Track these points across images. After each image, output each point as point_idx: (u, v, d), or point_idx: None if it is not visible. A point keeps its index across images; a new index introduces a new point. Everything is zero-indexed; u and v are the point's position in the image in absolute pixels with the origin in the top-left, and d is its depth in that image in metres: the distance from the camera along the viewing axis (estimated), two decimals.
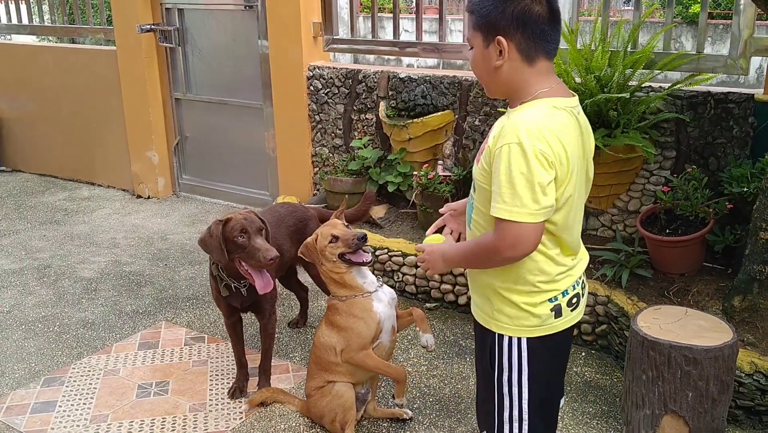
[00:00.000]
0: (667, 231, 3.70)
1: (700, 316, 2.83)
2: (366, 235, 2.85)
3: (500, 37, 1.78)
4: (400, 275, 4.23)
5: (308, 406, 3.09)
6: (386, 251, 4.25)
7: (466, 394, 3.31)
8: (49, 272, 4.73)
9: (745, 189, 3.46)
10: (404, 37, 5.02)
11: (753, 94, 3.67)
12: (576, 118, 1.85)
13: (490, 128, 4.36)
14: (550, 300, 1.91)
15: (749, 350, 3.10)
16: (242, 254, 2.96)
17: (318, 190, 5.36)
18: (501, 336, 1.95)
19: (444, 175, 4.31)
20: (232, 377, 3.46)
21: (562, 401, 2.26)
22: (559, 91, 1.84)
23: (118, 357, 3.66)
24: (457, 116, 4.52)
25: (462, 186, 4.35)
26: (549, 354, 1.96)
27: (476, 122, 4.45)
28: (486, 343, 2.01)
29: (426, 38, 4.98)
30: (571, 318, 1.97)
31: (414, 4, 4.86)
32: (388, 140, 4.80)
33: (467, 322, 3.98)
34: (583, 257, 2.03)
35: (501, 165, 1.73)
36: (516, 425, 1.98)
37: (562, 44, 3.78)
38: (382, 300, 2.90)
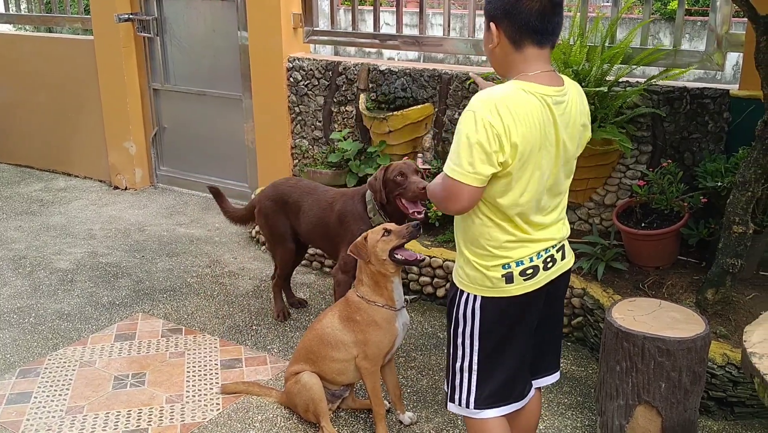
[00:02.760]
0: (643, 225, 3.74)
1: (674, 308, 2.87)
2: (420, 225, 2.81)
3: (492, 24, 1.97)
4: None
5: (285, 391, 3.09)
6: None
7: (444, 385, 3.33)
8: (25, 263, 4.69)
9: (719, 184, 3.51)
10: (385, 30, 5.02)
11: (728, 90, 3.72)
12: (548, 106, 1.93)
13: None
14: (503, 266, 2.04)
15: (722, 342, 3.15)
16: (400, 190, 3.33)
17: None
18: (461, 292, 2.13)
19: (424, 168, 4.32)
20: (210, 369, 3.46)
21: (552, 378, 2.39)
22: (542, 78, 1.95)
23: (94, 349, 3.64)
24: (436, 109, 4.53)
25: None
26: (500, 316, 2.09)
27: (456, 115, 4.47)
28: (449, 296, 2.20)
29: (407, 31, 4.99)
30: (523, 286, 2.07)
31: None
32: (368, 133, 4.80)
33: (445, 314, 3.99)
34: (552, 236, 2.11)
35: (458, 128, 1.90)
36: (466, 375, 2.16)
37: None
38: (401, 320, 2.89)
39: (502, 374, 2.16)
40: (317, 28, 5.16)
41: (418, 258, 2.82)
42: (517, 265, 2.05)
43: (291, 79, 5.16)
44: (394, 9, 4.96)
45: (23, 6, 7.00)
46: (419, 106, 4.50)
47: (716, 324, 3.24)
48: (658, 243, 3.68)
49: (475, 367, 2.14)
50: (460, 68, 4.59)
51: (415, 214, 3.32)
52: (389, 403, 3.09)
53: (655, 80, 3.80)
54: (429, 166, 4.38)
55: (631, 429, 2.73)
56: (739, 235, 3.21)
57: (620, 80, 3.86)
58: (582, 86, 3.65)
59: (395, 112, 4.50)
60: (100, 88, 6.11)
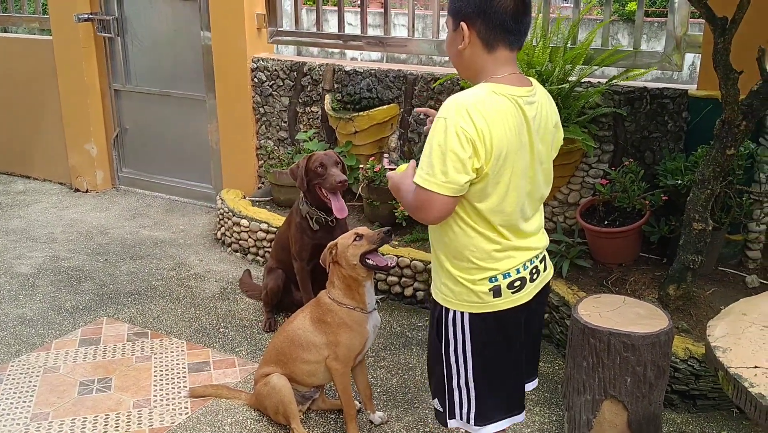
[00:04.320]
0: (606, 223, 3.81)
1: (638, 304, 2.93)
2: (391, 231, 2.80)
3: (463, 24, 1.88)
4: None
5: (255, 393, 3.08)
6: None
7: (413, 384, 3.35)
8: None
9: (679, 182, 3.59)
10: (348, 30, 5.03)
11: (687, 90, 3.81)
12: (520, 107, 1.87)
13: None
14: (489, 279, 1.96)
15: (684, 336, 3.22)
16: (320, 180, 3.53)
17: (263, 183, 5.33)
18: (447, 309, 2.04)
19: (390, 168, 4.33)
20: (177, 373, 3.43)
21: (531, 385, 2.34)
22: (511, 80, 1.89)
23: (58, 354, 3.58)
24: (402, 110, 4.55)
25: None
26: (491, 331, 2.02)
27: (421, 116, 4.49)
28: (434, 314, 2.11)
29: (371, 32, 5.00)
30: (512, 300, 2.00)
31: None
32: (333, 133, 4.80)
33: (413, 313, 4.02)
34: (535, 245, 2.06)
35: (431, 135, 1.83)
36: (464, 391, 2.08)
37: None
38: (372, 322, 2.89)
39: (501, 387, 2.11)
40: (281, 29, 5.14)
41: (390, 264, 2.81)
42: (505, 277, 1.98)
43: (255, 80, 5.14)
44: (358, 9, 4.96)
45: None
46: (385, 107, 4.51)
47: (678, 319, 3.31)
48: (621, 240, 3.75)
49: (471, 384, 2.07)
50: (425, 69, 4.62)
51: (339, 212, 3.56)
52: (359, 403, 3.10)
53: (616, 81, 3.87)
54: (395, 166, 4.38)
55: (598, 424, 2.78)
56: (699, 231, 3.29)
57: (582, 81, 3.92)
58: (545, 87, 3.72)
59: (361, 113, 4.51)
60: (59, 89, 6.01)
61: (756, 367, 1.75)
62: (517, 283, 2.00)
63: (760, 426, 1.66)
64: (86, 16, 5.72)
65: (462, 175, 1.79)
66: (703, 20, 3.14)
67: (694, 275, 3.41)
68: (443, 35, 5.47)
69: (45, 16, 6.22)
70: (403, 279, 4.09)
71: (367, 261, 2.77)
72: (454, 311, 2.01)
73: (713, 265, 3.73)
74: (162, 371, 3.46)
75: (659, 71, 4.50)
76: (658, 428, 2.86)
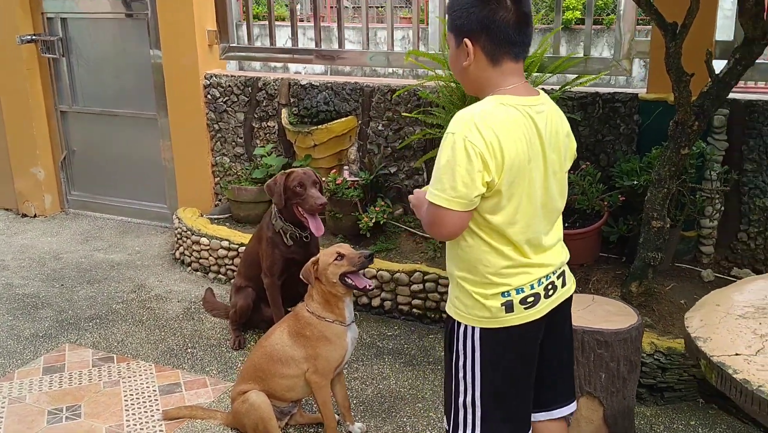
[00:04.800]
0: (566, 224, 3.90)
1: (606, 302, 3.02)
2: (373, 255, 2.80)
3: (467, 40, 1.86)
4: None
5: (232, 412, 3.05)
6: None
7: (389, 393, 3.37)
8: None
9: (635, 182, 3.71)
10: (290, 44, 5.04)
11: (637, 94, 3.94)
12: (530, 117, 1.85)
13: (394, 132, 4.47)
14: (502, 294, 1.93)
15: (648, 331, 3.33)
16: (299, 200, 3.50)
17: (220, 200, 5.28)
18: (458, 323, 2.00)
19: (352, 180, 4.37)
20: (148, 396, 3.36)
21: (569, 409, 2.22)
22: (518, 90, 1.87)
23: (22, 383, 3.46)
24: (360, 122, 4.59)
25: (369, 191, 4.42)
26: (501, 347, 1.97)
27: (380, 127, 4.53)
28: (446, 328, 2.07)
29: (310, 45, 5.02)
30: (524, 316, 1.95)
31: (300, 12, 4.92)
32: (291, 147, 4.79)
33: (381, 324, 4.04)
34: (551, 261, 2.00)
35: (441, 151, 1.82)
36: (470, 411, 2.01)
37: None
38: (351, 335, 2.89)
39: (508, 406, 2.03)
40: (233, 44, 5.12)
41: (368, 286, 2.82)
42: (518, 292, 1.93)
43: (209, 96, 5.10)
44: (306, 24, 4.98)
45: None
46: (343, 119, 4.54)
47: (641, 315, 3.41)
48: (582, 241, 3.85)
49: (478, 402, 2.00)
50: (381, 81, 4.67)
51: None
52: (338, 415, 3.10)
53: (569, 86, 3.98)
54: (357, 179, 4.42)
55: (575, 421, 2.85)
56: (658, 229, 3.40)
57: (537, 88, 4.01)
58: None
59: (320, 126, 4.52)
60: (2, 112, 5.83)
61: (737, 354, 1.83)
62: (531, 299, 1.95)
63: (745, 411, 1.74)
64: (29, 37, 5.58)
65: (471, 189, 1.78)
66: (650, 27, 3.27)
67: (655, 272, 3.53)
68: (397, 47, 5.49)
69: None
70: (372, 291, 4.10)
71: (346, 280, 2.79)
72: (465, 326, 1.98)
73: (670, 261, 3.86)
74: (132, 395, 3.38)
75: (610, 76, 4.64)
76: (632, 422, 2.95)
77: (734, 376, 1.75)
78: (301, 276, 2.91)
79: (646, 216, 3.42)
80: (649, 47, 3.91)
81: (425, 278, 3.93)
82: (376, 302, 4.10)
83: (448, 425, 2.09)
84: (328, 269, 2.78)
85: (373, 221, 4.23)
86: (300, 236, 3.62)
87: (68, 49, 5.70)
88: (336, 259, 2.78)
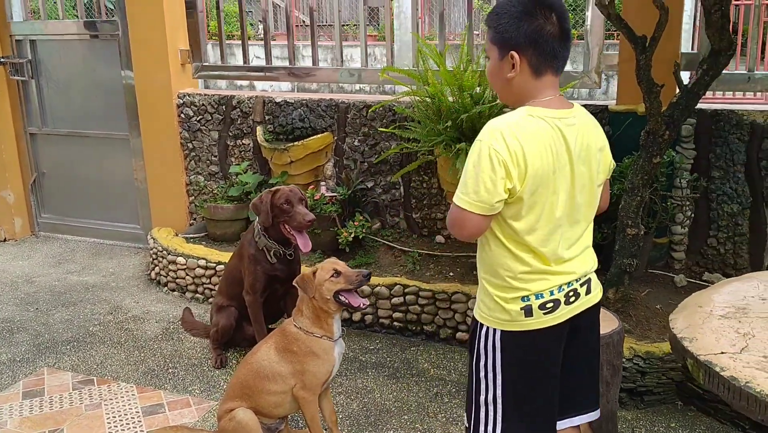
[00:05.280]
0: None
1: None
2: (371, 274, 2.81)
3: (514, 53, 1.92)
4: None
5: (219, 430, 3.03)
6: None
7: (374, 407, 3.39)
8: None
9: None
10: (255, 62, 5.06)
11: (607, 106, 4.05)
12: (559, 129, 1.91)
13: (370, 148, 4.52)
14: (522, 299, 1.98)
15: (626, 336, 3.40)
16: (286, 217, 3.51)
17: (195, 219, 5.26)
18: (481, 324, 2.06)
19: (330, 196, 4.39)
20: (131, 418, 3.33)
21: (592, 415, 2.23)
22: (551, 103, 1.93)
23: (2, 409, 3.40)
24: (336, 138, 4.62)
25: (347, 205, 4.45)
26: (521, 350, 2.02)
27: (356, 143, 4.58)
28: (471, 329, 2.13)
29: (278, 64, 5.05)
30: (543, 321, 1.99)
31: (261, 30, 4.96)
32: (267, 165, 4.81)
33: (363, 338, 4.06)
34: (573, 269, 2.03)
35: (469, 157, 1.89)
36: (491, 408, 2.06)
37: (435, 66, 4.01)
38: (338, 350, 2.89)
39: (529, 408, 2.06)
40: (206, 64, 5.13)
41: (363, 305, 2.82)
42: (537, 298, 1.98)
43: (182, 115, 5.09)
44: (262, 43, 5.01)
45: None
46: (319, 136, 4.57)
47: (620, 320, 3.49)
48: None
49: (500, 400, 2.05)
50: (356, 97, 4.71)
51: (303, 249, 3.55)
52: (326, 430, 3.10)
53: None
54: (335, 194, 4.45)
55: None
56: (633, 237, 3.49)
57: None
58: (478, 108, 3.88)
59: (296, 143, 4.54)
60: None
61: (722, 353, 1.89)
62: (550, 304, 1.99)
63: (732, 407, 1.80)
64: None
65: (493, 195, 1.85)
66: (618, 41, 3.37)
67: (631, 278, 3.61)
68: (377, 64, 5.54)
69: None
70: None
71: (340, 298, 2.78)
72: (487, 327, 2.03)
73: (644, 268, 3.96)
74: (115, 417, 3.35)
75: (582, 88, 4.74)
76: (616, 426, 3.00)
77: (722, 373, 1.81)
78: (296, 284, 2.89)
79: (621, 224, 3.51)
80: (618, 60, 4.02)
81: (405, 291, 3.97)
82: (356, 316, 4.12)
83: (468, 422, 2.13)
84: (324, 285, 2.77)
85: (352, 235, 4.26)
86: (284, 254, 3.63)
87: (37, 71, 5.66)
88: (332, 276, 2.77)
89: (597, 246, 3.91)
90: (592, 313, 2.13)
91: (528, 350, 2.02)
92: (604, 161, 2.07)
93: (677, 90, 3.34)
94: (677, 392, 3.33)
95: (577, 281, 2.03)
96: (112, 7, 5.42)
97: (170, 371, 3.77)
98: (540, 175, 1.88)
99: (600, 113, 4.03)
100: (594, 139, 2.01)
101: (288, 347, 2.86)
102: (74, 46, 5.53)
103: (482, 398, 2.07)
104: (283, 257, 3.63)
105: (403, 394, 3.49)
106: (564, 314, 2.01)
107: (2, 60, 5.56)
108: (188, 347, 4.03)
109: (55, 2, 6.28)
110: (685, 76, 3.59)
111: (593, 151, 1.99)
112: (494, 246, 1.99)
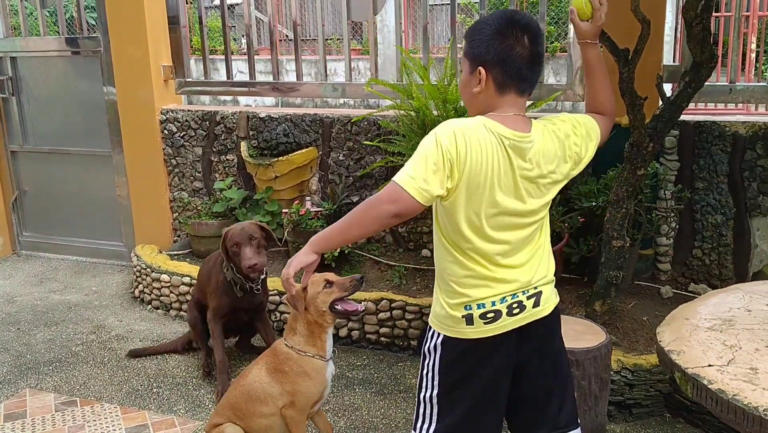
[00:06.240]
0: None
1: (574, 321, 3.07)
2: (363, 278, 2.79)
3: (481, 68, 1.96)
4: (278, 314, 4.21)
5: None
6: None
7: (361, 424, 3.35)
8: None
9: (594, 203, 3.80)
10: (239, 77, 5.06)
11: None
12: (505, 149, 1.93)
13: (355, 162, 4.51)
14: (464, 307, 2.02)
15: (614, 349, 3.39)
16: (237, 260, 3.53)
17: (179, 236, 5.22)
18: (429, 327, 2.14)
19: (315, 211, 4.37)
20: None
21: None
22: (508, 120, 1.95)
23: None
24: (321, 152, 4.61)
25: (333, 220, 4.42)
26: (458, 356, 2.07)
27: (341, 157, 4.56)
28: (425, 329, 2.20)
29: (261, 78, 5.04)
30: (482, 330, 2.02)
31: (244, 45, 4.95)
32: (251, 180, 4.78)
33: (350, 354, 4.02)
34: (517, 278, 2.04)
35: (420, 145, 1.92)
36: (428, 407, 2.13)
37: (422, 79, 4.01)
38: (330, 370, 2.85)
39: (461, 413, 2.09)
40: (189, 79, 5.11)
41: (359, 309, 2.78)
42: (478, 307, 2.01)
43: (165, 131, 5.06)
44: (246, 57, 5.02)
45: None
46: (303, 150, 4.56)
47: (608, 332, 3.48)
48: None
49: (435, 400, 2.11)
50: (340, 111, 4.71)
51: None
52: None
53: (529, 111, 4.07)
54: (321, 209, 4.43)
55: None
56: (619, 248, 3.49)
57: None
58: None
59: (281, 158, 4.52)
60: None
61: (710, 366, 1.89)
62: (491, 315, 2.01)
63: (721, 420, 1.79)
64: None
65: (434, 186, 1.88)
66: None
67: (617, 290, 3.61)
68: (361, 78, 5.53)
69: None
70: (337, 319, 4.08)
71: (336, 307, 2.73)
72: (433, 330, 2.11)
73: (630, 279, 3.96)
74: None
75: (566, 101, 4.74)
76: None
77: (709, 387, 1.80)
78: (286, 301, 2.85)
79: (607, 236, 3.51)
80: None
81: (392, 305, 3.94)
82: (343, 332, 4.09)
83: (414, 415, 2.21)
84: (318, 298, 2.71)
85: (338, 250, 4.23)
86: (250, 288, 3.64)
87: (18, 88, 5.61)
88: (325, 287, 2.73)
89: (583, 259, 3.95)
90: (544, 325, 2.12)
91: (464, 356, 2.06)
92: (574, 146, 2.08)
93: (660, 102, 3.35)
94: (665, 404, 3.32)
95: (523, 292, 2.04)
96: (94, 23, 5.39)
97: (154, 390, 3.72)
98: (475, 185, 1.92)
99: None
100: (553, 147, 2.03)
101: (279, 367, 2.82)
102: (56, 63, 5.49)
103: (422, 394, 2.15)
104: (249, 291, 3.64)
105: (391, 411, 3.46)
106: (506, 325, 2.03)
107: None
108: (172, 366, 3.98)
109: (36, 19, 6.24)
110: (668, 89, 3.60)
111: (546, 171, 2.01)
112: (441, 250, 2.06)
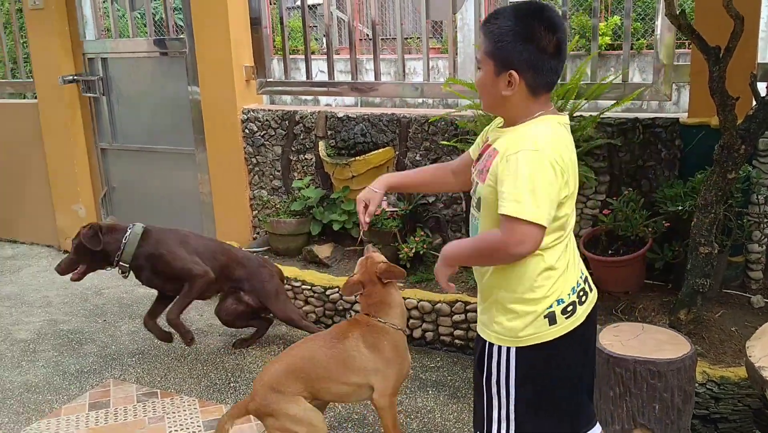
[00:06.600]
0: (610, 252, 3.85)
1: (656, 330, 2.96)
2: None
3: (513, 72, 1.92)
4: (353, 313, 4.23)
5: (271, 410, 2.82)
6: (336, 289, 4.25)
7: (434, 427, 3.32)
8: None
9: (680, 207, 3.65)
10: (319, 77, 5.10)
11: (678, 119, 3.90)
12: (568, 133, 2.01)
13: (432, 162, 4.47)
14: (547, 307, 2.00)
15: (699, 360, 3.24)
16: None
17: (258, 233, 5.31)
18: (491, 344, 2.05)
19: (391, 211, 4.37)
20: (193, 431, 3.36)
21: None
22: (554, 111, 2.03)
23: (69, 420, 3.48)
24: (397, 152, 4.60)
25: (408, 221, 4.42)
26: (539, 360, 2.02)
27: (417, 157, 4.54)
28: (477, 349, 2.13)
29: (343, 78, 5.05)
30: (565, 326, 2.01)
31: (324, 45, 5.00)
32: (329, 179, 4.82)
33: (424, 355, 4.00)
34: (580, 265, 2.12)
35: (515, 169, 1.85)
36: (504, 424, 2.06)
37: None
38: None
39: (544, 423, 2.08)
40: (270, 79, 5.19)
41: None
42: (559, 303, 2.01)
43: (246, 131, 5.16)
44: (325, 57, 5.04)
45: None
46: (380, 150, 4.55)
47: (692, 343, 3.34)
48: (626, 269, 3.79)
49: (512, 416, 2.05)
50: (418, 111, 4.68)
51: None
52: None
53: (607, 111, 3.95)
54: (396, 209, 4.42)
55: None
56: (706, 255, 3.33)
57: (575, 114, 4.00)
58: None
59: (358, 158, 4.54)
60: (45, 151, 5.97)
61: None
62: (570, 308, 2.02)
63: None
64: (71, 77, 5.71)
65: (555, 204, 1.87)
66: (689, 51, 3.24)
67: (703, 299, 3.45)
68: (414, 78, 5.51)
69: (20, 80, 6.23)
70: (411, 320, 4.07)
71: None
72: (499, 346, 2.03)
73: (718, 288, 3.78)
74: (177, 430, 3.38)
75: (652, 101, 4.58)
76: None
77: None
78: (356, 283, 2.88)
79: (693, 242, 3.36)
80: (689, 72, 3.87)
81: (467, 308, 3.89)
82: (417, 333, 4.07)
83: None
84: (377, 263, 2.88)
85: (413, 251, 4.22)
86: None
87: (108, 88, 5.83)
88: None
89: (667, 265, 3.80)
90: (593, 316, 2.14)
91: (549, 360, 2.02)
92: None
93: (754, 102, 3.18)
94: (754, 420, 3.15)
95: (581, 278, 2.09)
96: (182, 24, 5.54)
97: (232, 385, 3.79)
98: (571, 179, 1.96)
99: (670, 126, 3.89)
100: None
101: (378, 343, 2.82)
102: (144, 64, 5.68)
103: (495, 414, 2.07)
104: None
105: (464, 414, 3.41)
106: (581, 314, 2.04)
107: (75, 78, 5.74)
108: (250, 361, 4.05)
109: (127, 21, 6.47)
110: (762, 87, 3.41)
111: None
112: (533, 255, 1.97)
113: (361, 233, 4.45)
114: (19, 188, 6.29)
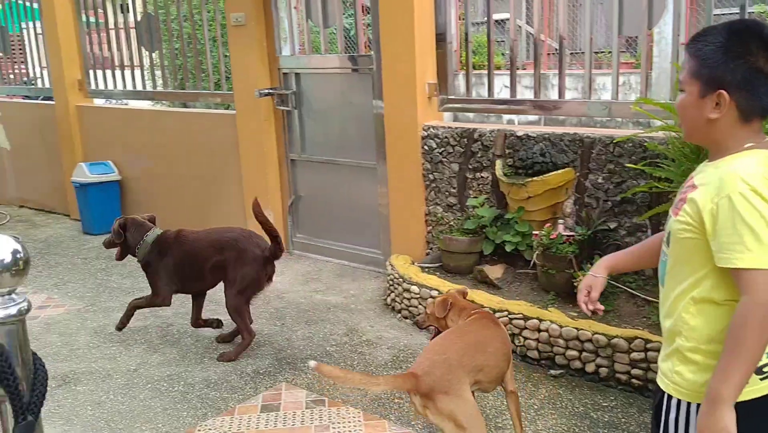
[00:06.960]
0: None
1: None
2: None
3: (723, 92, 1.74)
4: (522, 339, 4.09)
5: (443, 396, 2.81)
6: (506, 313, 4.13)
7: None
8: (172, 330, 4.86)
9: None
10: (504, 93, 4.99)
11: None
12: None
13: (615, 186, 4.22)
14: None
15: None
16: None
17: (431, 249, 5.31)
18: (670, 397, 1.87)
19: (567, 235, 4.18)
20: None
21: None
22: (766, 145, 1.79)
23: (241, 420, 3.67)
24: (578, 174, 4.39)
25: (586, 247, 4.20)
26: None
27: (599, 180, 4.31)
28: (655, 399, 1.97)
29: (527, 93, 4.91)
30: (757, 389, 1.75)
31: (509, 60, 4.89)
32: (504, 199, 4.71)
33: (596, 391, 3.77)
34: None
35: (733, 214, 1.67)
36: None
37: None
38: None
39: None
40: (451, 96, 5.18)
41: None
42: None
43: (425, 147, 5.18)
44: (509, 72, 4.93)
45: (159, 83, 7.55)
46: (559, 171, 4.38)
47: None
48: None
49: None
50: (602, 131, 4.45)
51: None
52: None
53: None
54: (573, 233, 4.22)
55: None
56: None
57: None
58: None
59: (535, 178, 4.39)
60: (240, 159, 6.38)
61: None
62: (766, 369, 1.76)
63: None
64: (267, 91, 6.07)
65: None
66: None
67: None
68: (603, 96, 5.15)
69: (219, 92, 6.71)
70: (584, 354, 3.86)
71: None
72: (679, 400, 1.84)
73: None
74: None
75: None
76: None
77: None
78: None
79: None
80: None
81: (647, 346, 3.62)
82: (590, 368, 3.84)
83: None
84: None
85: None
86: None
87: (300, 102, 6.12)
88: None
89: None
90: None
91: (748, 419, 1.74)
92: None
93: None
94: None
95: None
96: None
97: (396, 401, 3.80)
98: None
99: None
100: None
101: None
102: (333, 79, 5.90)
103: None
104: None
105: None
106: None
107: (270, 91, 6.09)
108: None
109: (319, 37, 6.76)
110: None
111: None
112: (727, 306, 1.75)
113: (534, 256, 4.31)
114: (216, 193, 6.77)
